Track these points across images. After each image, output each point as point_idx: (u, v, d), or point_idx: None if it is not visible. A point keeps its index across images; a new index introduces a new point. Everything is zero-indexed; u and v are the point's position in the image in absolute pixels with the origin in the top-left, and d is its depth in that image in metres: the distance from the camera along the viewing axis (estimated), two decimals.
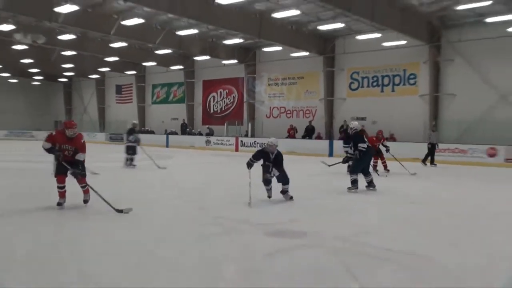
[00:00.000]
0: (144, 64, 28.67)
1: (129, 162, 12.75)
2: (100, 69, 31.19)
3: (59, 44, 21.91)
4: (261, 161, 7.10)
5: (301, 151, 19.51)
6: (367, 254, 4.48)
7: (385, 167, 12.01)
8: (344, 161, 9.41)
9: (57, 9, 15.98)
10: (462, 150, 16.29)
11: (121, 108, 33.90)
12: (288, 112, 24.42)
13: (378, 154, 11.77)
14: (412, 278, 3.83)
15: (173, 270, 3.94)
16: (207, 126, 27.45)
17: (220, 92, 27.74)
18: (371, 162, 10.10)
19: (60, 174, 6.26)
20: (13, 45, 22.42)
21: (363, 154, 8.53)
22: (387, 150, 12.04)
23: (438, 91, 19.13)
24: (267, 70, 24.91)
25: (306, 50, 21.43)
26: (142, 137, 13.59)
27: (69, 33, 20.57)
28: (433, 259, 4.26)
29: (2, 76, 35.01)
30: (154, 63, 27.14)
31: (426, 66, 19.28)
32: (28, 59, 27.07)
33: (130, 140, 12.90)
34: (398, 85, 20.41)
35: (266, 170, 7.01)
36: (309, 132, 22.42)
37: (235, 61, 24.81)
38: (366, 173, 8.63)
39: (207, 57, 23.94)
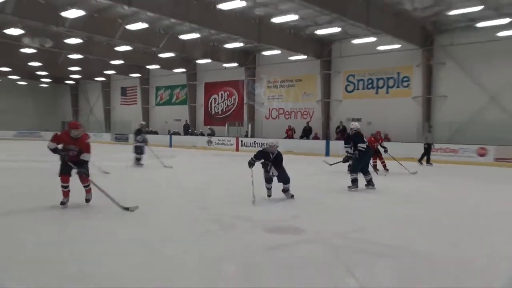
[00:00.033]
0: (148, 67, 28.63)
1: (137, 161, 12.68)
2: (105, 72, 31.12)
3: (66, 47, 21.88)
4: (262, 161, 7.08)
5: (299, 150, 19.50)
6: (365, 250, 4.45)
7: (384, 166, 11.92)
8: (344, 161, 9.36)
9: (64, 14, 15.95)
10: (453, 150, 16.29)
11: (126, 109, 33.87)
12: (287, 113, 24.40)
13: (377, 155, 11.68)
14: (409, 275, 3.78)
15: (177, 265, 3.92)
16: (208, 127, 27.42)
17: (221, 94, 27.72)
18: (371, 162, 10.06)
19: (64, 174, 6.16)
20: (21, 48, 22.38)
21: (363, 154, 8.50)
22: (385, 151, 11.96)
23: (430, 93, 19.13)
24: (266, 73, 24.89)
25: (303, 53, 21.42)
26: (147, 137, 13.50)
27: (76, 37, 20.52)
28: (432, 257, 4.19)
29: (11, 78, 34.93)
30: (158, 66, 27.09)
31: (419, 69, 19.28)
32: (36, 62, 27.00)
33: (138, 140, 12.84)
34: (392, 87, 20.40)
35: (265, 168, 7.00)
36: (307, 133, 22.42)
37: (236, 64, 24.78)
38: (365, 172, 8.59)
39: (209, 61, 23.92)
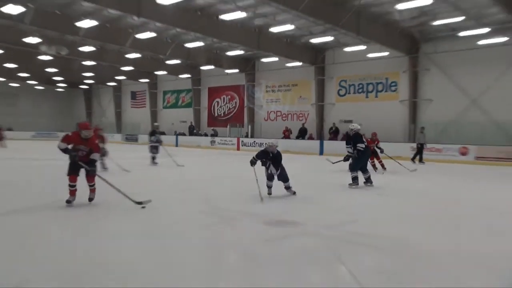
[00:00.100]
0: (156, 73, 28.60)
1: (152, 160, 12.60)
2: (117, 77, 31.12)
3: (81, 55, 21.85)
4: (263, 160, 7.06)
5: (295, 150, 19.50)
6: (358, 242, 4.42)
7: (382, 166, 11.74)
8: (345, 159, 9.24)
9: (78, 24, 15.96)
10: (438, 149, 16.30)
11: (135, 112, 33.85)
12: (284, 115, 24.38)
13: (374, 155, 11.52)
14: (408, 270, 3.66)
15: (181, 254, 3.92)
16: (212, 128, 27.39)
17: (224, 98, 27.70)
18: (369, 161, 9.95)
19: (72, 173, 5.88)
20: (39, 56, 22.38)
21: (362, 153, 8.42)
22: (381, 151, 11.84)
23: (416, 97, 19.13)
24: (265, 78, 24.88)
25: (299, 60, 21.42)
26: (161, 137, 13.23)
27: (89, 45, 20.52)
28: (433, 256, 3.96)
29: (30, 83, 34.90)
30: (165, 72, 27.07)
31: (406, 74, 19.29)
32: (53, 69, 27.02)
33: (152, 140, 12.73)
34: (381, 91, 20.40)
35: (265, 166, 6.99)
36: (302, 133, 22.42)
37: (237, 70, 24.77)
38: (364, 171, 8.52)
39: (212, 67, 23.88)
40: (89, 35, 17.35)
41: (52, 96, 38.37)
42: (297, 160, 14.74)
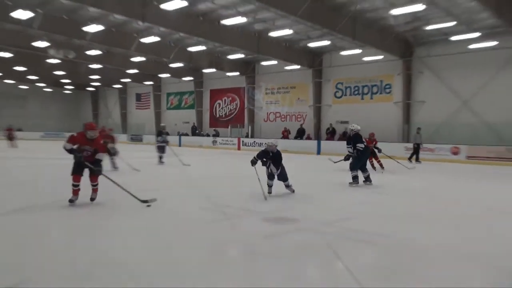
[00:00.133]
0: (160, 75, 28.61)
1: (160, 159, 12.56)
2: (122, 80, 31.09)
3: (87, 58, 21.86)
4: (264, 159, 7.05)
5: (294, 149, 19.49)
6: (353, 237, 4.40)
7: (381, 165, 11.67)
8: (345, 159, 9.23)
9: (85, 29, 15.97)
10: (430, 149, 16.30)
11: (140, 113, 33.84)
12: (283, 116, 24.38)
13: (372, 155, 11.43)
14: (407, 267, 3.58)
15: (184, 248, 3.93)
16: (213, 128, 27.40)
17: (225, 100, 27.69)
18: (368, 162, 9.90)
19: (76, 173, 5.72)
20: (47, 59, 22.37)
21: (361, 153, 8.39)
22: (379, 151, 11.77)
23: (409, 98, 19.13)
24: (265, 80, 24.87)
25: (297, 63, 21.40)
26: (167, 138, 13.07)
27: (96, 49, 20.53)
28: (433, 255, 3.86)
29: (38, 86, 34.91)
30: (169, 75, 27.09)
31: (400, 77, 19.29)
32: (61, 71, 27.01)
33: (159, 140, 12.73)
34: (375, 93, 20.40)
35: (266, 165, 6.96)
36: (300, 134, 22.42)
37: (238, 73, 24.77)
38: (364, 170, 8.49)
39: (214, 70, 23.91)
40: (95, 39, 17.35)
41: (60, 98, 38.35)
42: (296, 160, 14.74)
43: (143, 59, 22.62)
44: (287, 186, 7.14)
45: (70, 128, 32.64)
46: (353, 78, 20.96)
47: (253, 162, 6.84)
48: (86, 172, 5.85)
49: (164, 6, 12.97)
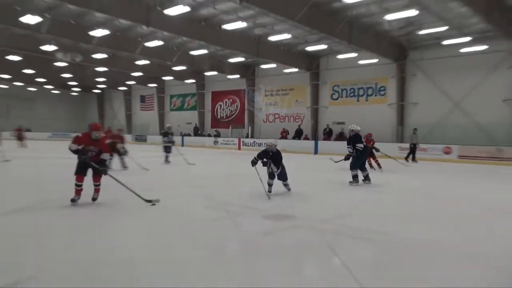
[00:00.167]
0: (163, 78, 28.54)
1: (166, 159, 12.50)
2: (127, 82, 31.04)
3: (94, 61, 21.79)
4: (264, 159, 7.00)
5: (292, 149, 19.42)
6: (350, 234, 4.34)
7: (379, 165, 11.57)
8: (346, 159, 9.21)
9: (91, 33, 15.93)
10: (424, 149, 16.26)
11: (144, 114, 33.76)
12: (281, 117, 24.33)
13: (370, 155, 11.28)
14: (406, 265, 3.53)
15: (186, 244, 3.89)
16: (215, 129, 27.35)
17: (226, 101, 27.64)
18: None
19: (79, 173, 5.57)
20: (55, 62, 22.33)
21: (360, 153, 8.34)
22: (377, 151, 11.65)
23: (403, 100, 19.10)
24: (264, 83, 24.83)
25: (296, 66, 21.37)
26: (173, 138, 12.99)
27: (102, 52, 20.45)
28: (432, 254, 3.79)
29: (46, 88, 34.84)
30: (172, 78, 27.01)
31: (394, 80, 19.26)
32: (68, 74, 26.95)
33: (165, 141, 12.67)
34: (371, 95, 20.37)
35: (266, 165, 6.90)
36: (298, 134, 22.37)
37: (238, 76, 24.71)
38: (363, 169, 8.44)
39: (215, 73, 23.87)
40: (101, 43, 17.30)
41: (67, 99, 38.25)
42: (294, 159, 14.69)
43: (147, 62, 22.56)
44: (285, 185, 7.10)
45: (77, 129, 32.52)
46: (349, 80, 20.92)
47: (254, 163, 6.76)
48: (89, 172, 5.73)
49: (168, 11, 12.93)
